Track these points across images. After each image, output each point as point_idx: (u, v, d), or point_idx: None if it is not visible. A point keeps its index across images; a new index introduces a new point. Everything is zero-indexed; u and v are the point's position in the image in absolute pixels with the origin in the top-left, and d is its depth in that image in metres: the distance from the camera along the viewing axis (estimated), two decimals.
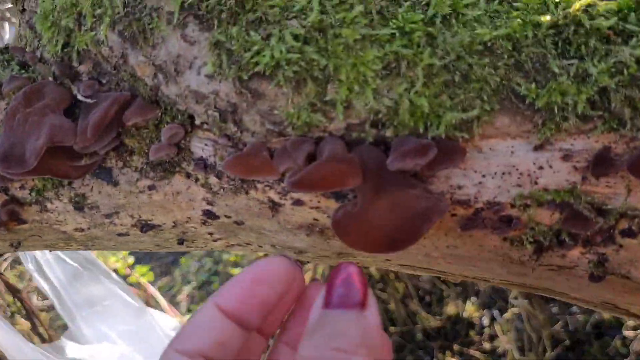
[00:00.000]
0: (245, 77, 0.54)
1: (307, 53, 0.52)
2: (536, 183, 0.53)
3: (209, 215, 0.65)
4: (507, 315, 2.83)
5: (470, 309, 3.35)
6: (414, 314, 3.43)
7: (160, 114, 0.59)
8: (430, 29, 0.52)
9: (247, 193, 0.60)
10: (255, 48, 0.53)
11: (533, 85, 0.51)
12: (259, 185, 0.59)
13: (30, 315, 1.65)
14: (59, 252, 1.46)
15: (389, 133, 0.53)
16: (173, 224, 0.67)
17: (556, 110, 0.51)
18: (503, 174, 0.54)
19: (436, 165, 0.52)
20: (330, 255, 0.68)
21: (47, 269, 1.38)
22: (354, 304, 0.42)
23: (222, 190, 0.61)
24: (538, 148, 0.53)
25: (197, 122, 0.58)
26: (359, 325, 0.40)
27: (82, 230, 0.70)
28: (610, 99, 0.50)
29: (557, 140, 0.52)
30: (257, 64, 0.53)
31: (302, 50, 0.52)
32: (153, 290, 2.58)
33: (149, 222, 0.67)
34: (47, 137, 0.56)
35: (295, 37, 0.53)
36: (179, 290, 3.42)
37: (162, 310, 2.32)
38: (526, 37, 0.52)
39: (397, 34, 0.52)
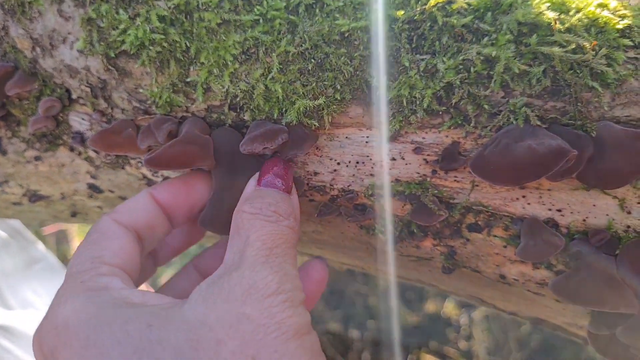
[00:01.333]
0: (113, 55, 0.55)
1: (170, 34, 0.54)
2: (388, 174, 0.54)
3: (94, 189, 0.66)
4: (476, 314, 2.83)
5: (449, 307, 3.36)
6: (392, 310, 3.43)
7: (39, 86, 0.60)
8: (292, 17, 0.53)
9: (123, 168, 0.62)
10: (122, 26, 0.54)
11: (385, 78, 0.52)
12: (132, 162, 0.61)
13: None
14: None
15: (246, 117, 0.55)
16: (61, 196, 0.69)
17: (405, 103, 0.52)
18: (357, 162, 0.55)
19: (287, 151, 0.53)
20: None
21: None
22: (284, 189, 0.51)
23: (102, 164, 0.63)
24: (391, 139, 0.54)
25: (74, 96, 0.60)
26: (289, 202, 0.50)
27: None
28: (453, 95, 0.51)
29: (409, 133, 0.53)
30: (123, 42, 0.54)
31: (166, 32, 0.54)
32: None
33: (37, 192, 0.69)
34: None
35: (161, 18, 0.54)
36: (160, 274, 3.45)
37: None
38: (384, 30, 0.53)
39: (261, 20, 0.53)
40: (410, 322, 3.38)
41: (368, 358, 3.25)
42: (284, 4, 0.53)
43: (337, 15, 0.54)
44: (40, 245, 1.47)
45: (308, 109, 0.53)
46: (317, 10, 0.54)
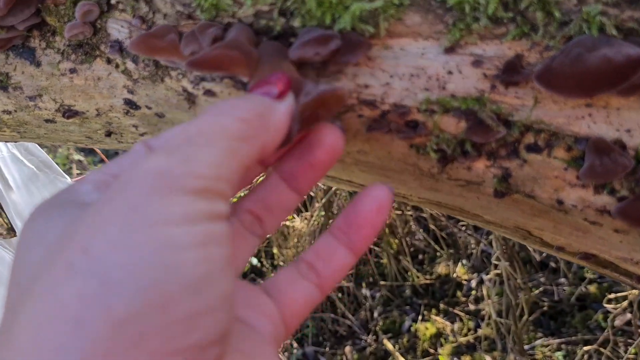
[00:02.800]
0: None
1: None
2: (444, 88, 0.51)
3: (131, 104, 0.64)
4: (489, 276, 2.83)
5: (460, 271, 3.36)
6: (405, 271, 3.46)
7: None
8: None
9: (162, 81, 0.59)
10: None
11: None
12: (173, 73, 0.58)
13: None
14: (16, 152, 1.47)
15: (296, 23, 0.52)
16: (96, 112, 0.67)
17: (467, 10, 0.49)
18: (411, 75, 0.52)
19: (339, 58, 0.50)
20: None
21: (4, 167, 1.39)
22: (264, 92, 0.44)
23: (141, 78, 0.61)
24: (448, 51, 0.51)
25: (113, 1, 0.57)
26: (260, 102, 0.42)
27: (9, 112, 0.70)
28: (522, 1, 0.48)
29: (468, 44, 0.50)
30: None
31: None
32: None
33: (72, 107, 0.67)
34: None
35: None
36: None
37: None
38: None
39: None
40: (422, 283, 3.39)
41: (379, 316, 3.27)
42: None
43: None
44: (68, 179, 1.47)
45: (363, 12, 0.50)
46: None
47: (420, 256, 3.52)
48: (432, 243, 3.33)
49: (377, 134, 0.55)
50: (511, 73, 0.50)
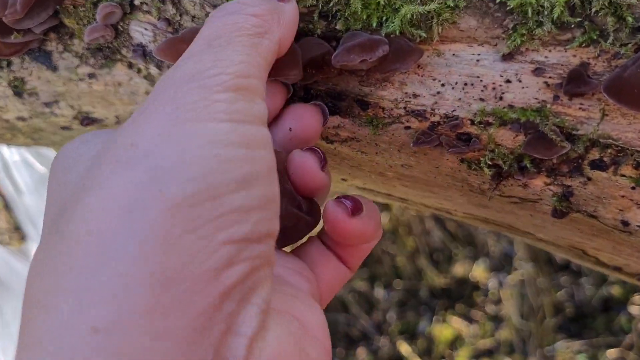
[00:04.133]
0: None
1: None
2: (501, 99, 0.47)
3: None
4: (511, 277, 2.78)
5: (478, 271, 3.31)
6: (421, 271, 3.41)
7: None
8: None
9: None
10: None
11: None
12: None
13: None
14: (27, 156, 1.43)
15: (339, 26, 0.47)
16: (116, 119, 0.63)
17: (530, 14, 0.44)
18: (465, 85, 0.47)
19: (387, 65, 0.46)
20: None
21: (15, 171, 1.36)
22: None
23: None
24: (507, 58, 0.46)
25: (137, 2, 0.53)
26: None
27: (24, 119, 0.65)
28: (592, 4, 0.43)
29: (529, 50, 0.45)
30: None
31: None
32: None
33: (90, 114, 0.62)
34: None
35: None
36: None
37: None
38: None
39: None
40: (438, 284, 3.34)
41: (394, 318, 3.23)
42: None
43: None
44: None
45: (415, 16, 0.45)
46: None
47: (436, 256, 3.47)
48: (449, 242, 3.28)
49: (425, 148, 0.50)
50: (576, 83, 0.45)
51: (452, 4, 0.45)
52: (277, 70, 0.44)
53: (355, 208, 0.43)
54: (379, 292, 3.37)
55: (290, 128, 0.48)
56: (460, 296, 3.22)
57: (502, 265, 3.21)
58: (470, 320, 3.12)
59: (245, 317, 0.30)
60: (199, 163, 0.30)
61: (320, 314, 0.39)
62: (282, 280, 0.41)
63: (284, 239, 0.45)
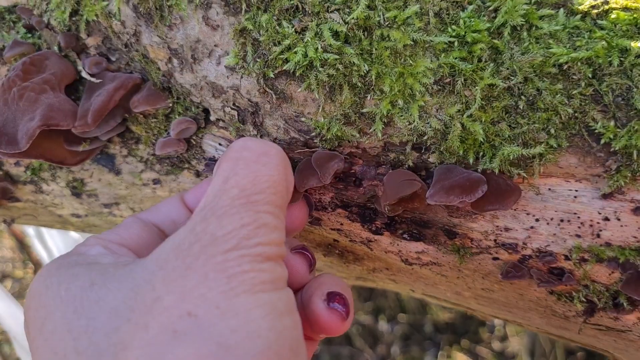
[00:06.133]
0: (272, 75, 0.46)
1: (347, 55, 0.44)
2: (598, 236, 0.45)
3: None
4: None
5: None
6: (425, 305, 3.38)
7: (171, 104, 0.52)
8: (496, 41, 0.44)
9: None
10: (287, 42, 0.45)
11: (612, 123, 0.42)
12: None
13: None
14: None
15: (432, 159, 0.46)
16: None
17: (635, 156, 0.42)
18: (561, 220, 0.46)
19: (485, 205, 0.44)
20: (347, 277, 0.61)
21: (48, 237, 1.33)
22: None
23: None
24: (607, 196, 0.44)
25: (212, 118, 0.51)
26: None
27: (79, 216, 0.63)
28: None
29: (630, 190, 0.44)
30: (286, 61, 0.45)
31: (341, 51, 0.44)
32: None
33: None
34: (41, 119, 0.49)
35: (335, 35, 0.45)
36: None
37: None
38: (610, 63, 0.43)
39: (456, 44, 0.44)
40: (442, 318, 3.32)
41: (398, 352, 3.20)
42: (487, 24, 0.44)
43: (550, 42, 0.44)
44: None
45: (517, 156, 0.43)
46: (525, 34, 0.44)
47: None
48: None
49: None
50: None
51: (555, 145, 0.43)
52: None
53: (348, 312, 0.44)
54: (383, 326, 3.34)
55: None
56: (466, 331, 3.20)
57: None
58: (476, 356, 3.09)
59: None
60: (263, 335, 0.32)
61: None
62: None
63: None
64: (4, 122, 0.52)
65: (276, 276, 0.35)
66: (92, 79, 0.52)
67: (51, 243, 1.33)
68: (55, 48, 0.56)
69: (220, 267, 0.34)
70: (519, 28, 0.44)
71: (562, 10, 0.45)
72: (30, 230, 1.33)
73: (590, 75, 0.43)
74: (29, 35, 0.60)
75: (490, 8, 0.44)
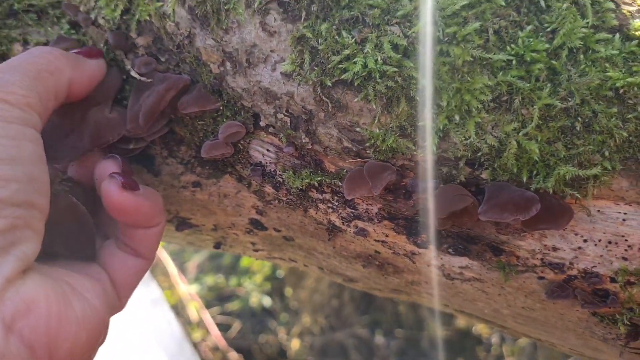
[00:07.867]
0: (329, 84, 0.46)
1: (405, 68, 0.45)
2: None
3: (257, 225, 0.58)
4: (520, 341, 2.75)
5: (480, 325, 3.28)
6: (422, 321, 3.37)
7: (220, 107, 0.52)
8: (554, 62, 0.44)
9: (305, 211, 0.53)
10: (346, 52, 0.45)
11: None
12: (322, 206, 0.52)
13: None
14: None
15: (485, 175, 0.46)
16: (213, 227, 0.60)
17: None
18: (609, 242, 0.46)
19: (537, 224, 0.44)
20: (382, 289, 0.61)
21: None
22: None
23: (276, 201, 0.54)
24: None
25: (262, 123, 0.51)
26: None
27: None
28: None
29: None
30: (344, 70, 0.45)
31: (400, 64, 0.45)
32: (165, 255, 2.53)
33: (187, 220, 0.60)
34: (90, 141, 0.50)
35: (395, 47, 0.45)
36: (188, 259, 3.37)
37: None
38: None
39: (514, 62, 0.44)
40: (439, 335, 3.31)
41: None
42: (546, 45, 0.44)
43: (607, 66, 0.44)
44: None
45: (572, 177, 0.44)
46: (581, 57, 0.45)
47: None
48: None
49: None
50: None
51: (609, 167, 0.43)
52: None
53: (128, 184, 0.47)
54: (380, 340, 3.32)
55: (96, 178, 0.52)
56: (462, 349, 3.19)
57: None
58: None
59: (2, 262, 0.37)
60: None
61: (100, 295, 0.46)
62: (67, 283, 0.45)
63: None
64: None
65: (10, 114, 0.42)
66: (142, 79, 0.52)
67: None
68: (102, 46, 0.56)
69: None
70: (575, 50, 0.45)
71: (617, 35, 0.45)
72: None
73: None
74: (73, 31, 0.60)
75: (548, 29, 0.45)
